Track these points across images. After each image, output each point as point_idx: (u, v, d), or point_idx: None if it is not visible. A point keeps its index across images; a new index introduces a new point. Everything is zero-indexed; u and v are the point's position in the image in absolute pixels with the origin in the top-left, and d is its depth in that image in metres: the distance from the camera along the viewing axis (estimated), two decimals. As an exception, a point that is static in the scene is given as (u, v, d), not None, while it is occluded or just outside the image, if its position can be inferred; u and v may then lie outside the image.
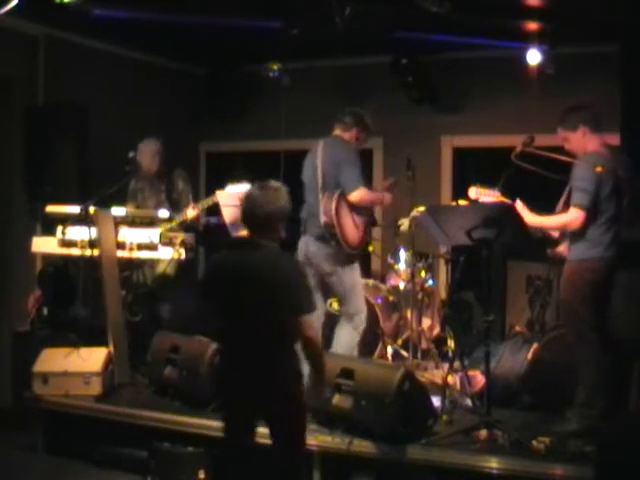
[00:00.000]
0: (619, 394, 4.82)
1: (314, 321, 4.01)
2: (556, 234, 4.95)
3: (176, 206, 6.40)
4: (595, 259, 4.63)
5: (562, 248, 4.92)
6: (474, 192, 4.93)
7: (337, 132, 5.52)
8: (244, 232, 5.80)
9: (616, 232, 4.68)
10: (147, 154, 6.48)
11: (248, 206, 3.83)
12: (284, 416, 3.77)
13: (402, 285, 6.54)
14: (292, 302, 3.69)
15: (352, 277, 5.43)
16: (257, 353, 3.72)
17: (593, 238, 4.64)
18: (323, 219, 5.27)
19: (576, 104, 4.87)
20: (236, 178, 5.77)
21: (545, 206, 5.21)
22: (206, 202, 6.16)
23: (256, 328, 3.72)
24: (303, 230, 5.51)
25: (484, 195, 4.89)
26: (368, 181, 7.54)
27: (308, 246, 5.42)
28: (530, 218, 4.71)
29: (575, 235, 4.68)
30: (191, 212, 6.24)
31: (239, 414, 3.86)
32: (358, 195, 5.27)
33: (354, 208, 5.36)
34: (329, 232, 5.26)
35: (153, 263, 6.36)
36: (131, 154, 6.16)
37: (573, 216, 4.63)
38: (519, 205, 4.72)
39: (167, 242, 6.01)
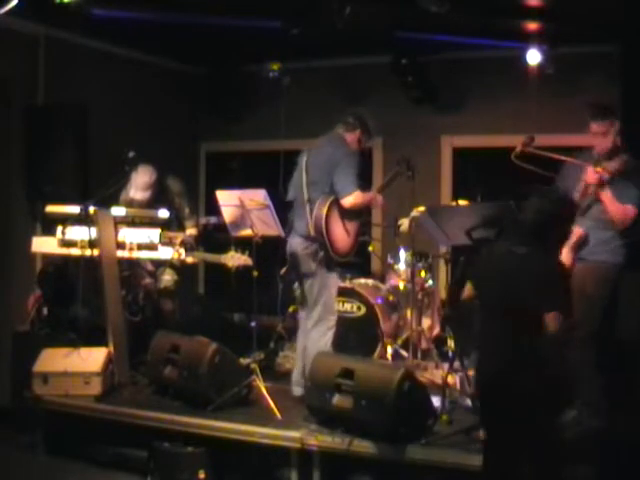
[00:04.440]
0: (623, 394, 4.84)
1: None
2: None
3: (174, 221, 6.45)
4: (622, 262, 4.68)
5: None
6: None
7: (339, 131, 5.49)
8: (245, 232, 5.88)
9: None
10: (139, 185, 6.35)
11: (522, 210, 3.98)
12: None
13: (402, 285, 6.54)
14: (542, 302, 3.74)
15: (324, 282, 5.38)
16: (512, 349, 3.77)
17: (624, 241, 4.67)
18: (312, 229, 5.25)
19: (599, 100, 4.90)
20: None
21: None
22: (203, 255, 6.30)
23: (511, 325, 3.78)
24: (289, 229, 5.53)
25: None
26: (367, 181, 7.58)
27: (293, 245, 5.44)
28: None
29: (613, 237, 4.69)
30: (191, 230, 6.41)
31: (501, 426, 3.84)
32: (352, 200, 5.21)
33: (346, 214, 5.33)
34: (318, 241, 5.26)
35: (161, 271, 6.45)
36: (131, 154, 6.15)
37: (631, 212, 4.64)
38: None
39: (167, 242, 6.02)
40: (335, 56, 7.87)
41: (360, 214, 5.49)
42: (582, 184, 4.81)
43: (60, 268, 6.51)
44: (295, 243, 5.42)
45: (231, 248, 5.87)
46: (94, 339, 5.85)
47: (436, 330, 6.67)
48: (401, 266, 6.54)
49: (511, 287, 3.79)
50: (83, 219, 5.81)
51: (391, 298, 6.52)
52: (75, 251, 5.90)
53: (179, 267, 6.38)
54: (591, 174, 4.74)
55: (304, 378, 5.45)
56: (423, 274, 6.44)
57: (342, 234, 5.33)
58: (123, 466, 5.25)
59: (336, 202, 5.26)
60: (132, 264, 6.24)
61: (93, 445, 5.44)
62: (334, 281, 5.47)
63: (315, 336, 5.39)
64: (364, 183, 5.44)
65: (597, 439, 4.14)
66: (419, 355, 6.21)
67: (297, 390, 5.53)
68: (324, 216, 5.20)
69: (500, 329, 3.82)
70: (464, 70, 7.62)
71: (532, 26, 6.49)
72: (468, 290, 4.17)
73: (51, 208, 6.06)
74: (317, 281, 5.37)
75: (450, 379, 5.29)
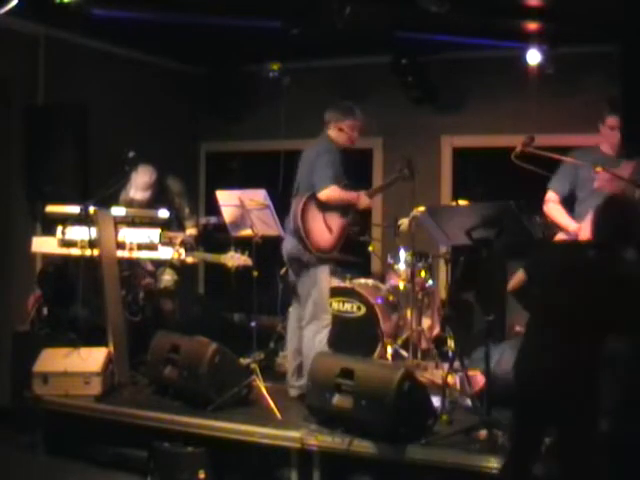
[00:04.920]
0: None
1: None
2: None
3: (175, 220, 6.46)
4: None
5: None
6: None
7: (325, 132, 5.52)
8: (245, 232, 5.88)
9: None
10: (139, 185, 6.36)
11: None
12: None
13: (402, 285, 6.54)
14: (607, 318, 3.61)
15: (314, 279, 5.36)
16: (568, 354, 3.62)
17: None
18: (292, 224, 5.29)
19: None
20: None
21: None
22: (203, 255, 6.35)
23: (571, 328, 3.63)
24: (285, 228, 5.57)
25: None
26: (367, 181, 7.58)
27: (285, 244, 5.48)
28: None
29: None
30: (191, 230, 6.44)
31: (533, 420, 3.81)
32: (328, 192, 5.21)
33: (327, 210, 5.33)
34: (297, 236, 5.27)
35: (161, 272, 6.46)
36: (131, 154, 6.15)
37: None
38: None
39: (167, 242, 6.02)
40: (335, 56, 7.87)
41: (345, 211, 5.46)
42: (612, 186, 4.76)
43: (60, 268, 6.51)
44: (287, 242, 5.47)
45: (231, 248, 5.88)
46: (94, 339, 5.85)
47: (436, 330, 6.67)
48: (401, 266, 6.54)
49: (579, 291, 3.64)
50: (83, 219, 5.81)
51: (391, 298, 6.52)
52: (75, 251, 5.90)
53: (179, 267, 6.38)
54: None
55: (298, 379, 5.49)
56: (423, 274, 6.44)
57: (322, 230, 5.32)
58: (123, 466, 5.24)
59: (313, 198, 5.28)
60: (132, 264, 6.24)
61: (93, 445, 5.44)
62: (325, 278, 5.44)
63: (308, 335, 5.39)
64: (349, 182, 5.44)
65: (616, 439, 4.13)
66: (419, 355, 6.21)
67: (292, 391, 5.55)
68: (300, 211, 5.23)
69: (558, 330, 3.67)
70: (464, 70, 7.62)
71: (532, 26, 6.49)
72: (517, 280, 4.03)
73: (51, 208, 6.06)
74: (308, 279, 5.38)
75: (450, 379, 5.29)
